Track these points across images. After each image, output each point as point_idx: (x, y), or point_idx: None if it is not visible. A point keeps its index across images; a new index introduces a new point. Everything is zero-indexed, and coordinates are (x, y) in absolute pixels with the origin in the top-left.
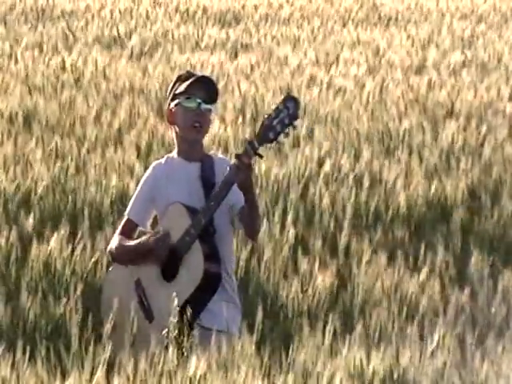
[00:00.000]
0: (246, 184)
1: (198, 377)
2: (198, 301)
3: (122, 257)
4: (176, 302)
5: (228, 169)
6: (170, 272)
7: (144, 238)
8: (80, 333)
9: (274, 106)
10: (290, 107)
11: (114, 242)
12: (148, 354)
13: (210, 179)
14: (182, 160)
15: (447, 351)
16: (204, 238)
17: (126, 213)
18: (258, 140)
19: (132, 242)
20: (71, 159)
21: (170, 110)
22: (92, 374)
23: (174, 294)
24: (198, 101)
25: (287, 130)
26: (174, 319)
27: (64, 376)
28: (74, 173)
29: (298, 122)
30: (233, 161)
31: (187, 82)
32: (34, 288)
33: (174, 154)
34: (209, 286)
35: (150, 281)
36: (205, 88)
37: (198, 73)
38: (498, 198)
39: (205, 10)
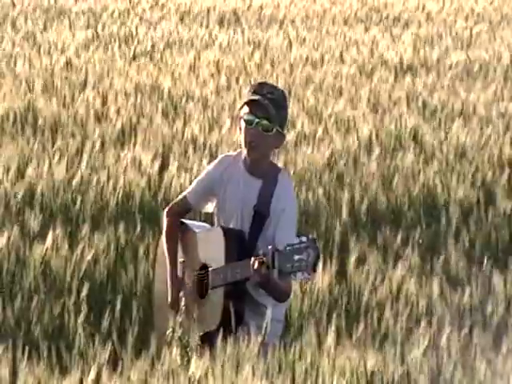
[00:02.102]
0: (260, 285)
1: (197, 377)
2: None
3: (163, 244)
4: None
5: (290, 211)
6: (199, 287)
7: (171, 281)
8: (81, 332)
9: (301, 239)
10: (310, 255)
11: (165, 221)
12: (149, 354)
13: (263, 211)
14: (245, 170)
15: (447, 351)
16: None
17: (187, 191)
18: (279, 261)
19: (170, 253)
20: (75, 158)
21: (239, 117)
22: (92, 373)
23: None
24: (257, 120)
25: (300, 275)
26: (179, 318)
27: (64, 376)
28: (78, 172)
29: (312, 276)
30: (259, 253)
31: (247, 98)
32: (34, 288)
33: (243, 155)
34: (228, 322)
35: (189, 274)
36: (267, 101)
37: (268, 85)
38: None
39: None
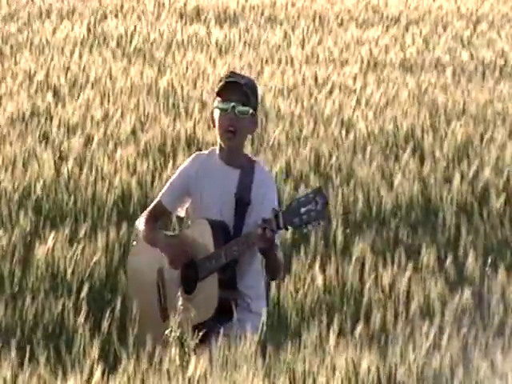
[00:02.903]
0: (264, 251)
1: (197, 377)
2: (210, 326)
3: (145, 240)
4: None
5: (272, 196)
6: (188, 283)
7: (165, 242)
8: (81, 332)
9: (306, 191)
10: (318, 202)
11: (142, 222)
12: (149, 354)
13: (245, 198)
14: (221, 162)
15: (448, 351)
16: (223, 267)
17: (160, 195)
18: (284, 219)
19: (155, 236)
20: (75, 158)
21: (212, 111)
22: (92, 373)
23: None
24: (232, 104)
25: (311, 227)
26: (177, 318)
27: (65, 375)
28: (78, 172)
29: (323, 223)
30: (259, 222)
31: (222, 83)
32: (36, 288)
33: (217, 149)
34: (222, 313)
35: (171, 279)
36: (240, 88)
37: (238, 74)
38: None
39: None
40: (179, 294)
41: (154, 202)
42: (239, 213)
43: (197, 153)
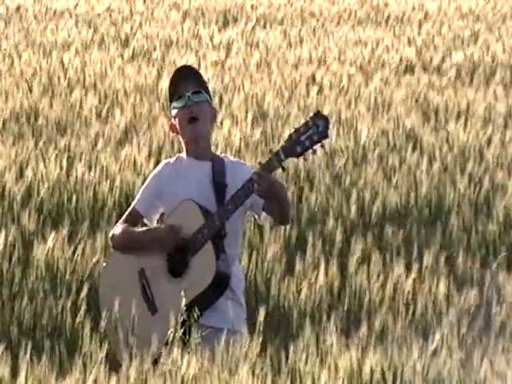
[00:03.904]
0: (264, 194)
1: (190, 376)
2: (205, 300)
3: (126, 243)
4: (184, 301)
5: (251, 172)
6: (177, 268)
7: (154, 226)
8: (81, 332)
9: (303, 121)
10: (319, 125)
11: (118, 229)
12: (149, 353)
13: (221, 181)
14: (192, 159)
15: (449, 351)
16: (214, 240)
17: (134, 203)
18: (285, 152)
19: (140, 229)
20: (75, 158)
21: (170, 121)
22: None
23: (182, 292)
24: (187, 94)
25: (315, 147)
26: (180, 318)
27: (64, 376)
28: (79, 171)
29: (327, 142)
30: (255, 169)
31: (171, 82)
32: (36, 288)
33: (184, 154)
34: (218, 286)
35: (155, 273)
36: (189, 79)
37: (180, 68)
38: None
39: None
40: (161, 283)
41: (129, 209)
42: (219, 196)
43: (164, 161)
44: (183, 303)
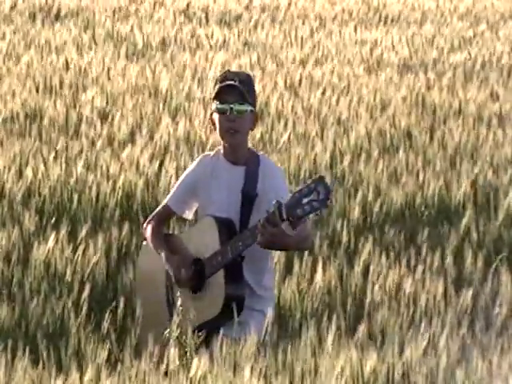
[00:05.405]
0: (265, 247)
1: (198, 377)
2: (216, 323)
3: (152, 246)
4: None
5: (281, 177)
6: (196, 284)
7: (169, 258)
8: (81, 332)
9: (307, 183)
10: (320, 192)
11: (149, 227)
12: (149, 354)
13: (251, 191)
14: (227, 162)
15: (449, 351)
16: (229, 264)
17: (168, 197)
18: (286, 211)
19: (161, 246)
20: (76, 158)
21: (211, 113)
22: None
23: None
24: (231, 106)
25: (315, 214)
26: (176, 318)
27: (65, 375)
28: (79, 172)
29: (326, 209)
30: (262, 218)
31: (217, 86)
32: (36, 288)
33: (222, 150)
34: (229, 310)
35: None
36: (236, 90)
37: (233, 72)
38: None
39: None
40: (183, 293)
41: (161, 204)
42: (245, 207)
43: (203, 154)
44: (179, 306)
